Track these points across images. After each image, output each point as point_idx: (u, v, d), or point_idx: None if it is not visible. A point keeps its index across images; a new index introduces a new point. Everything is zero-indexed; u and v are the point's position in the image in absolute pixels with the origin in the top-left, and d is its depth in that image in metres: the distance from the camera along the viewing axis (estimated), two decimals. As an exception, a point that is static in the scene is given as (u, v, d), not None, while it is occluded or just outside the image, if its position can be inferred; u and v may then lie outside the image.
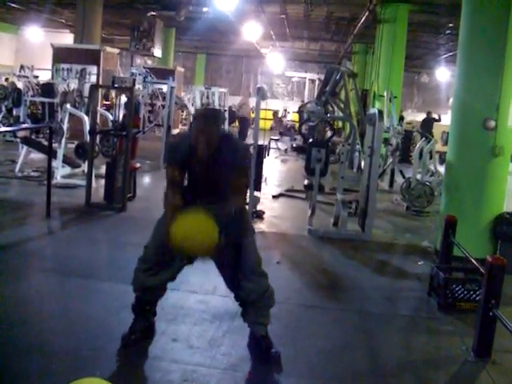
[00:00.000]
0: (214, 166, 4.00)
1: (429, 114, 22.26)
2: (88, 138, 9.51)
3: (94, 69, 15.12)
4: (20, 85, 15.28)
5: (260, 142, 9.11)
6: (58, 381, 3.64)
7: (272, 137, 20.28)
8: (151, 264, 4.22)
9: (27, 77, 15.47)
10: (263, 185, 9.37)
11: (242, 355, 4.26)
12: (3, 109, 14.57)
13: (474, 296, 5.54)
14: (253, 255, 4.17)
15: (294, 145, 19.55)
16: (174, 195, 4.08)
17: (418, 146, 11.64)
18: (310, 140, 9.30)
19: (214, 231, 3.80)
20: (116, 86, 10.32)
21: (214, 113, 4.20)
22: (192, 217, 3.88)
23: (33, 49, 23.91)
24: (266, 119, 21.66)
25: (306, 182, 10.48)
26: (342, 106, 12.62)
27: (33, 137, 12.07)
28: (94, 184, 9.09)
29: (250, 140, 11.41)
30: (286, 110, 29.91)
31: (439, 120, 21.71)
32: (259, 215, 8.81)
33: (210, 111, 4.27)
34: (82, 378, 3.26)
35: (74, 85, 13.86)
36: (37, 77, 16.32)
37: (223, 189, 4.06)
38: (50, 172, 8.05)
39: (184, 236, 3.81)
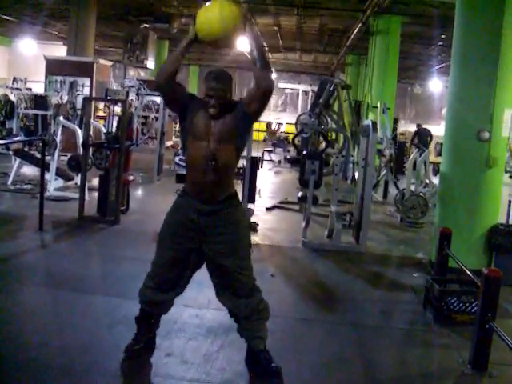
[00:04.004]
0: (221, 127, 3.90)
1: (419, 126, 20.70)
2: (81, 150, 9.47)
3: (87, 81, 15.12)
4: (13, 97, 15.28)
5: (253, 154, 9.09)
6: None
7: (265, 148, 20.28)
8: (160, 283, 4.17)
9: (20, 89, 15.47)
10: (257, 197, 9.34)
11: (237, 370, 4.22)
12: (-4, 121, 14.55)
13: (469, 308, 5.51)
14: (245, 272, 4.08)
15: (288, 156, 19.55)
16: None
17: (411, 157, 11.65)
18: (304, 152, 9.28)
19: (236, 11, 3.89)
20: (109, 98, 10.31)
21: (227, 73, 4.04)
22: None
23: (26, 61, 23.91)
24: (259, 131, 21.63)
25: (299, 193, 10.47)
26: (335, 117, 12.63)
27: (25, 149, 12.04)
28: (87, 197, 9.05)
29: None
30: (279, 123, 29.94)
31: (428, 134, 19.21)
32: (253, 227, 8.77)
33: (224, 71, 4.02)
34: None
35: (67, 97, 13.87)
36: (30, 89, 16.34)
37: (227, 165, 3.95)
38: (42, 185, 8.00)
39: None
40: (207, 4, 3.97)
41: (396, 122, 18.65)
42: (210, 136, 3.88)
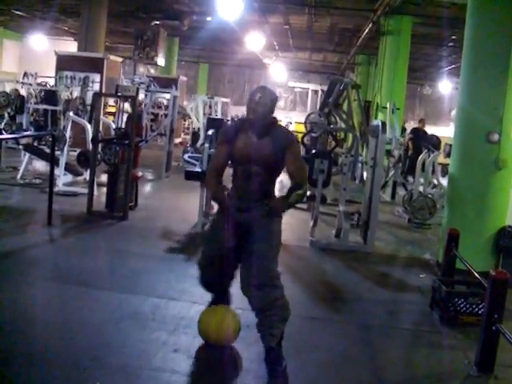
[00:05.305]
0: (262, 146, 4.25)
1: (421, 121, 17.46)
2: (90, 146, 9.50)
3: (97, 77, 15.16)
4: (23, 92, 15.31)
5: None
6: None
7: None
8: (206, 282, 4.68)
9: (31, 84, 15.49)
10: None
11: (244, 366, 4.26)
12: (6, 116, 14.58)
13: (476, 310, 5.51)
14: (271, 261, 4.27)
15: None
16: (211, 180, 4.49)
17: (420, 158, 11.63)
18: (313, 151, 9.28)
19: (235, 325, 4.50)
20: (119, 94, 10.34)
21: (271, 91, 4.42)
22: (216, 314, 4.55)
23: (37, 56, 23.94)
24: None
25: (308, 192, 10.44)
26: (344, 117, 12.61)
27: (35, 144, 12.08)
28: (95, 192, 9.08)
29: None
30: (288, 121, 29.87)
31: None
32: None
33: (268, 89, 4.43)
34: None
35: (76, 92, 13.89)
36: (41, 84, 16.33)
37: (266, 183, 4.34)
38: (51, 179, 8.05)
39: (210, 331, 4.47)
40: (211, 308, 4.69)
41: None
42: (250, 160, 4.27)
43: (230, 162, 4.47)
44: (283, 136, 4.37)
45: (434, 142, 15.16)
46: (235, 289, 4.67)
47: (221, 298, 4.79)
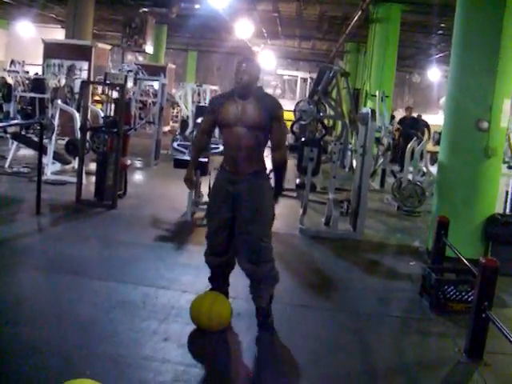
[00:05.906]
0: (249, 108, 4.40)
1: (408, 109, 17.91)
2: (79, 134, 9.45)
3: (85, 65, 15.06)
4: (10, 80, 15.20)
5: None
6: (49, 381, 3.61)
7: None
8: (212, 248, 4.74)
9: (18, 72, 15.38)
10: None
11: (235, 355, 4.26)
12: (-7, 104, 14.49)
13: (465, 297, 5.53)
14: (266, 239, 4.59)
15: (286, 143, 19.44)
16: (200, 140, 5.00)
17: (409, 146, 11.64)
18: (302, 139, 9.26)
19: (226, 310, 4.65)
20: (108, 82, 10.27)
21: (255, 61, 4.74)
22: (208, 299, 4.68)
23: (24, 44, 23.76)
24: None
25: (297, 180, 10.45)
26: (333, 104, 12.59)
27: (23, 133, 11.99)
28: (84, 181, 9.02)
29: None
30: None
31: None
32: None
33: (252, 59, 4.74)
34: (73, 379, 3.22)
35: (64, 80, 13.81)
36: (27, 72, 16.24)
37: (255, 146, 4.46)
38: (40, 168, 7.98)
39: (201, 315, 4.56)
40: (203, 293, 4.82)
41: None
42: (238, 122, 4.41)
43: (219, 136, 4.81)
44: (272, 103, 4.54)
45: (421, 127, 15.33)
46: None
47: (220, 286, 4.91)
